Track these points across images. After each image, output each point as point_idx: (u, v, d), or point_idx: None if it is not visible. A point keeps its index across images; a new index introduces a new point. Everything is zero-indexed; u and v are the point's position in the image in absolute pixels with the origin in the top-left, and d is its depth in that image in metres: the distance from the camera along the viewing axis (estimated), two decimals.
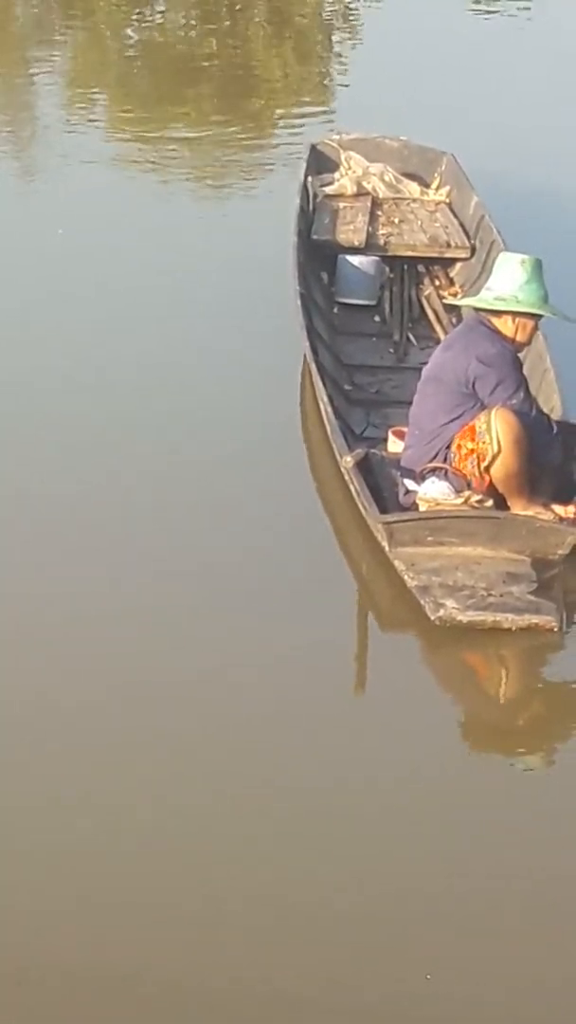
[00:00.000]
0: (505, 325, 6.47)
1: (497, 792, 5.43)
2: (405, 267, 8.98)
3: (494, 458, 6.29)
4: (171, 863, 4.96)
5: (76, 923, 4.75)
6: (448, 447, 6.39)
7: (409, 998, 4.55)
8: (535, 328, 6.55)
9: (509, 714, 5.99)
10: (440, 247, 8.95)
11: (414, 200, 9.48)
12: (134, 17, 15.41)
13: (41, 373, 7.95)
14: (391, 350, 8.29)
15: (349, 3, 15.61)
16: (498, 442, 6.26)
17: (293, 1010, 4.51)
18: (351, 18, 15.22)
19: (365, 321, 8.59)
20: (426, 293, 8.78)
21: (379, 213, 9.28)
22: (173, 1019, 4.48)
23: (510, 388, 6.35)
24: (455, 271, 8.95)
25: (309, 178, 9.38)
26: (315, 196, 9.33)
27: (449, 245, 8.97)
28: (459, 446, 6.37)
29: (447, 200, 9.47)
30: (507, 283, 6.50)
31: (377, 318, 8.61)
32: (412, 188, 9.55)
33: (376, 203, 9.38)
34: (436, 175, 9.72)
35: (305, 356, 7.54)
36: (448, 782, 5.42)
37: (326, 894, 4.88)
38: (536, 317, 6.52)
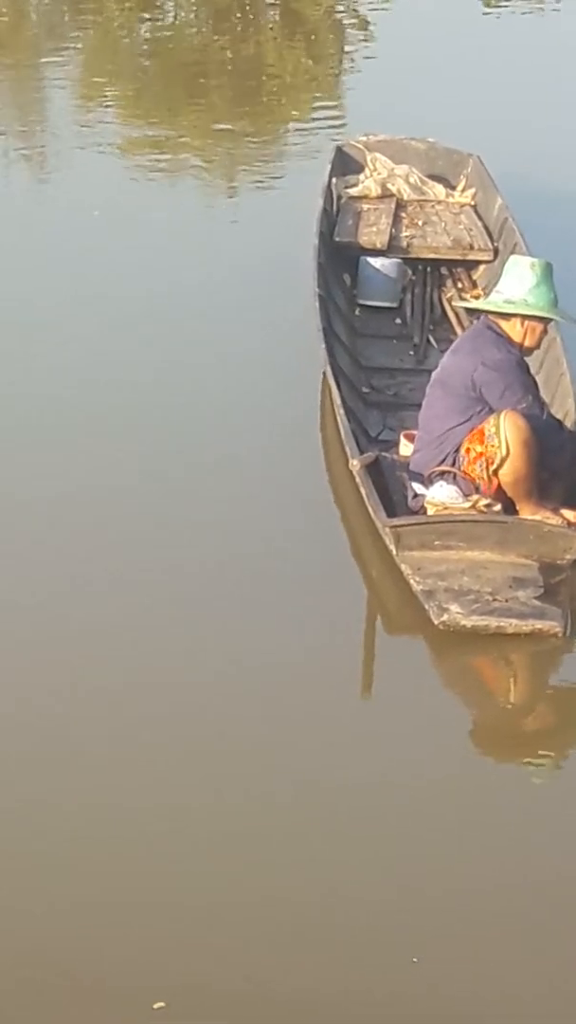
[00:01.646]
0: (514, 329, 6.45)
1: (503, 795, 5.40)
2: (428, 269, 8.95)
3: (503, 461, 6.26)
4: (176, 863, 4.96)
5: (74, 925, 4.76)
6: (457, 451, 6.37)
7: (411, 997, 4.55)
8: (544, 332, 6.53)
9: (516, 718, 5.96)
10: (463, 249, 8.92)
11: (439, 202, 9.45)
12: (146, 18, 15.42)
13: (54, 373, 7.97)
14: (411, 352, 8.26)
15: (361, 4, 15.59)
16: (507, 445, 6.23)
17: (297, 1010, 4.51)
18: (363, 19, 15.20)
19: (386, 323, 8.57)
20: (448, 295, 8.74)
21: (403, 215, 9.25)
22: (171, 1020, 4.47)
23: (517, 393, 6.32)
24: (478, 273, 8.92)
25: (333, 180, 9.36)
26: (339, 198, 9.31)
27: (472, 247, 8.93)
28: (468, 449, 6.34)
29: (472, 202, 9.43)
30: (516, 286, 6.48)
31: (398, 320, 8.59)
32: (437, 190, 9.52)
33: (400, 205, 9.35)
34: (462, 177, 9.69)
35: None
36: (453, 785, 5.39)
37: (332, 895, 4.88)
38: (545, 321, 6.49)
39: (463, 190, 9.56)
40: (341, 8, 15.66)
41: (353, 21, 15.20)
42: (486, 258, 8.88)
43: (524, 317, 6.42)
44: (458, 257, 8.91)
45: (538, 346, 6.59)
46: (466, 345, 6.51)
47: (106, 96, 12.87)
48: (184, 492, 6.99)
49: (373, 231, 8.91)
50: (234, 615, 6.12)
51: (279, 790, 5.30)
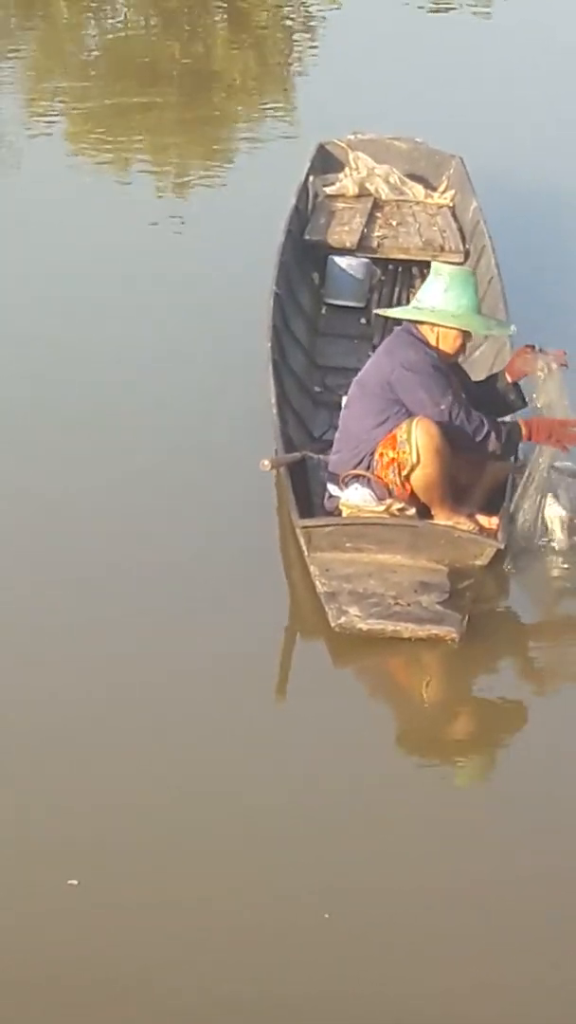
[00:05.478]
0: (429, 334, 6.48)
1: (419, 797, 5.43)
2: (399, 270, 8.97)
3: (413, 468, 6.28)
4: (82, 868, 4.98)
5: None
6: (372, 454, 6.39)
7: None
8: (460, 338, 6.49)
9: (428, 721, 5.93)
10: (434, 251, 8.88)
11: (417, 203, 9.45)
12: (94, 20, 15.46)
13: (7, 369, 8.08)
14: (370, 353, 8.18)
15: (308, 7, 15.61)
16: (417, 452, 6.26)
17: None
18: (311, 21, 15.22)
19: (351, 323, 8.59)
20: None
21: (378, 215, 9.26)
22: None
23: (435, 394, 6.33)
24: None
25: (311, 178, 9.38)
26: (316, 196, 9.33)
27: (443, 249, 8.91)
28: (381, 454, 6.36)
29: (450, 203, 9.43)
30: (429, 293, 6.53)
31: (363, 320, 8.60)
32: (417, 190, 9.52)
33: (377, 205, 9.37)
34: (444, 178, 9.68)
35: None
36: (360, 787, 5.41)
37: (244, 901, 4.90)
38: (458, 329, 6.49)
39: (443, 191, 9.55)
40: (290, 9, 15.68)
41: (302, 23, 15.23)
42: (456, 260, 8.81)
43: (432, 324, 6.45)
44: (428, 258, 8.77)
45: (457, 353, 6.57)
46: (385, 347, 6.55)
47: (55, 96, 12.86)
48: (123, 490, 7.05)
49: (344, 230, 8.93)
50: (156, 616, 6.15)
51: (188, 794, 5.32)
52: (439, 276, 6.52)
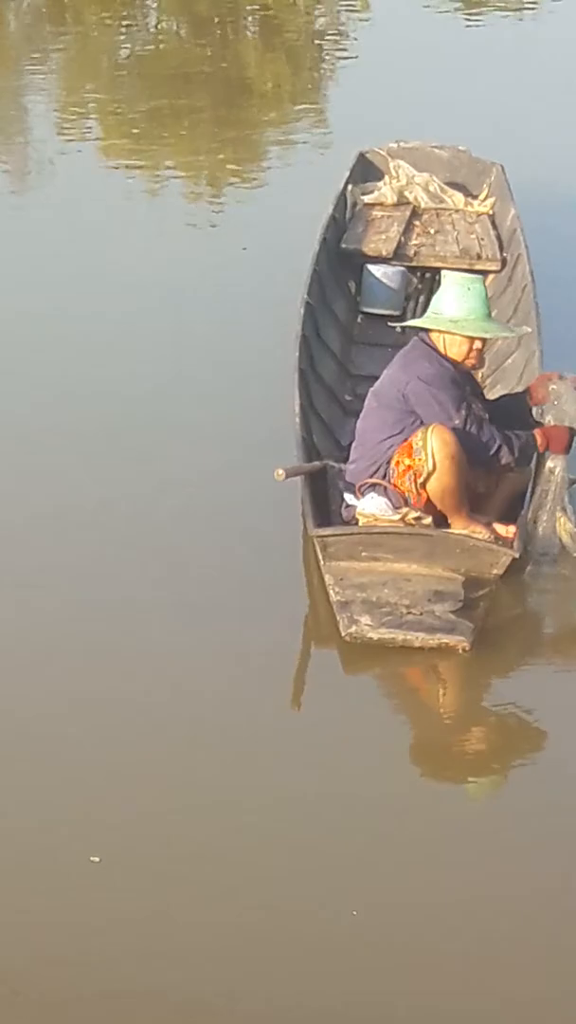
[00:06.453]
0: (439, 342, 6.47)
1: (428, 806, 5.42)
2: (436, 278, 8.93)
3: (429, 475, 6.28)
4: (94, 880, 4.99)
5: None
6: (388, 463, 6.40)
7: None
8: (469, 344, 6.46)
9: (439, 730, 5.93)
10: (471, 259, 8.88)
11: (456, 211, 9.44)
12: (125, 28, 15.54)
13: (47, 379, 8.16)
14: None
15: (340, 14, 15.63)
16: (433, 459, 6.25)
17: None
18: (343, 29, 15.25)
19: (387, 331, 8.56)
20: None
21: (416, 223, 9.26)
22: None
23: (449, 408, 6.33)
24: (486, 283, 8.86)
25: (350, 186, 9.40)
26: (354, 205, 9.34)
27: (480, 257, 8.91)
28: (397, 462, 6.36)
29: (490, 212, 9.41)
30: (435, 301, 6.56)
31: (400, 329, 8.59)
32: (456, 199, 9.52)
33: (416, 213, 9.37)
34: (484, 186, 9.68)
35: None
36: (371, 794, 5.41)
37: (248, 912, 4.90)
38: (467, 336, 6.48)
39: (484, 199, 9.54)
40: (321, 18, 15.69)
41: (334, 30, 15.23)
42: (494, 268, 8.85)
43: (440, 331, 6.45)
44: (465, 267, 8.81)
45: (468, 360, 6.51)
46: (401, 358, 6.54)
47: (88, 103, 12.97)
48: (138, 497, 7.09)
49: (381, 239, 8.94)
50: (166, 622, 6.18)
51: (197, 798, 5.34)
52: (444, 283, 6.54)
